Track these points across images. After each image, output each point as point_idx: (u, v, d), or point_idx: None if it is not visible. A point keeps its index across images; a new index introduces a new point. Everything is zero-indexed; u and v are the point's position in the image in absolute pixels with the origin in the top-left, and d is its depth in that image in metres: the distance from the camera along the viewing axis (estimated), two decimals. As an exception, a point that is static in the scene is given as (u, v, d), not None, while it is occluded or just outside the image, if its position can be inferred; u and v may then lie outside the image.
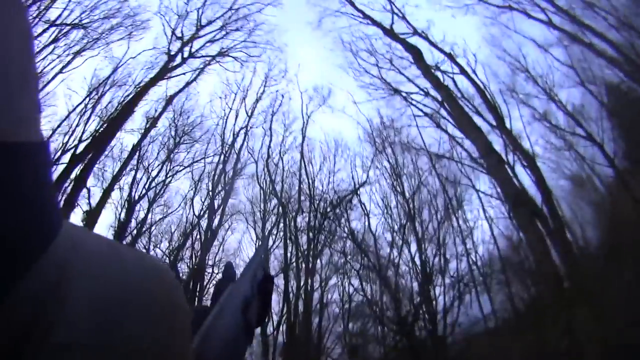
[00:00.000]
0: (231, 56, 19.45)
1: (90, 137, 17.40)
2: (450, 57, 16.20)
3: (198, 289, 17.31)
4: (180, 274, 18.23)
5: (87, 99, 17.93)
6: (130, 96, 17.33)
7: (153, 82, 16.95)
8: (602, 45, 14.19)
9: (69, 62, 17.11)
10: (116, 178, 17.69)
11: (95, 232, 0.59)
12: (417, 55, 15.75)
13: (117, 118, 16.48)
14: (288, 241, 18.52)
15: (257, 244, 19.60)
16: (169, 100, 18.19)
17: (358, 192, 18.90)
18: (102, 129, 17.57)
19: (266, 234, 19.33)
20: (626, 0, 14.04)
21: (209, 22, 18.79)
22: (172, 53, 17.58)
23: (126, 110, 16.60)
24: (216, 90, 20.49)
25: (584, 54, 14.80)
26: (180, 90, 18.51)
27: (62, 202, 15.05)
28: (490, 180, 16.08)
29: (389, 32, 16.64)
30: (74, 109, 17.75)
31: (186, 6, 18.52)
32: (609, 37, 13.95)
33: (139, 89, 17.04)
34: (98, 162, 17.01)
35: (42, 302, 0.43)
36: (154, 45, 18.63)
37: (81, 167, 16.03)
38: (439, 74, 16.63)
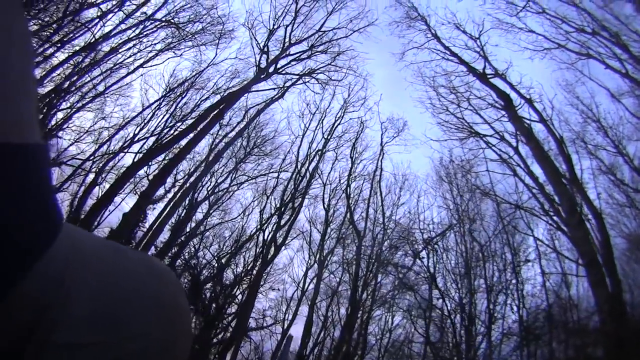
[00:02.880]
0: (314, 77, 19.79)
1: (164, 135, 17.98)
2: (530, 103, 16.07)
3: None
4: (225, 280, 18.57)
5: (164, 97, 18.64)
6: (213, 101, 17.81)
7: (240, 92, 17.28)
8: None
9: (150, 58, 17.85)
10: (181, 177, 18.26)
11: (94, 234, 0.59)
12: (507, 102, 15.73)
13: (197, 120, 16.78)
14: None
15: (308, 264, 19.87)
16: (258, 113, 18.59)
17: (445, 234, 18.82)
18: (177, 128, 18.11)
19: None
20: None
21: (298, 41, 19.15)
22: (262, 66, 17.86)
23: (206, 114, 16.92)
24: (293, 107, 20.72)
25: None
26: (267, 105, 18.95)
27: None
28: (550, 233, 16.15)
29: (481, 75, 16.73)
30: (150, 105, 18.47)
31: (275, 22, 18.86)
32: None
33: (224, 95, 17.41)
34: (167, 159, 17.50)
35: (43, 302, 0.43)
36: (236, 55, 19.28)
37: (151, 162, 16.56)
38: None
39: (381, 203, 20.36)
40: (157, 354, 0.52)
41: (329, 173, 21.41)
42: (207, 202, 19.43)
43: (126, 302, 0.51)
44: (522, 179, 16.18)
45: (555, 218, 15.14)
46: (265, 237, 18.92)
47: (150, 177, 16.57)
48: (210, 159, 18.21)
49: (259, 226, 19.31)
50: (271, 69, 18.38)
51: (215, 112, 16.26)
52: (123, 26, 15.82)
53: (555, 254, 15.92)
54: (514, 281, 16.81)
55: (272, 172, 20.51)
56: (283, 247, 19.11)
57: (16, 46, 0.41)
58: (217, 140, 18.89)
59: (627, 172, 15.08)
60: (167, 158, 16.95)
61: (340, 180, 21.38)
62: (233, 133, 18.89)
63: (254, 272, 17.99)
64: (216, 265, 19.09)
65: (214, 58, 18.31)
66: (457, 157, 19.35)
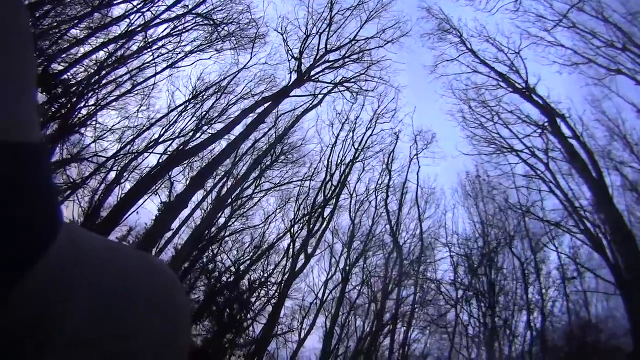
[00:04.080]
0: (346, 87, 19.71)
1: (192, 138, 17.56)
2: (564, 119, 16.32)
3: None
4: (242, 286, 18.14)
5: (192, 99, 18.23)
6: (241, 106, 17.53)
7: (279, 96, 17.03)
8: None
9: (179, 59, 17.48)
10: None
11: (94, 233, 0.59)
12: (551, 118, 15.92)
13: (231, 124, 16.48)
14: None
15: (329, 275, 19.54)
16: (297, 119, 18.39)
17: (498, 250, 18.69)
18: (204, 131, 17.74)
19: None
20: None
21: (333, 50, 19.12)
22: (300, 72, 17.67)
23: (240, 118, 16.62)
24: (322, 116, 20.56)
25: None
26: (306, 111, 18.82)
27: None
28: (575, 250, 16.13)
29: (524, 92, 16.86)
30: (177, 107, 18.03)
31: (309, 29, 18.77)
32: None
33: (259, 100, 17.13)
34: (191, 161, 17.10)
35: (43, 302, 0.43)
36: (266, 61, 19.02)
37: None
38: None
39: (419, 217, 20.32)
40: (156, 350, 0.52)
41: (357, 184, 21.43)
42: (230, 207, 18.97)
43: (126, 300, 0.51)
44: (558, 196, 16.28)
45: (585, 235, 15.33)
46: (293, 246, 18.71)
47: (187, 180, 16.15)
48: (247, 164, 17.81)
49: (288, 235, 19.05)
50: (305, 76, 18.23)
51: (257, 116, 15.95)
52: (160, 19, 15.46)
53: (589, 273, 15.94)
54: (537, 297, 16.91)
55: (300, 180, 20.32)
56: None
57: (16, 46, 0.42)
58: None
59: None
60: (201, 161, 16.53)
61: (368, 191, 21.37)
62: (264, 138, 18.66)
63: (283, 280, 17.57)
64: (237, 271, 18.65)
65: (248, 62, 18.13)
66: (485, 172, 19.52)
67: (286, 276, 17.79)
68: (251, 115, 16.77)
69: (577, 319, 15.86)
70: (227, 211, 18.82)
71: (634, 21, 15.36)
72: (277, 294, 17.58)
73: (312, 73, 18.59)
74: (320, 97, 19.39)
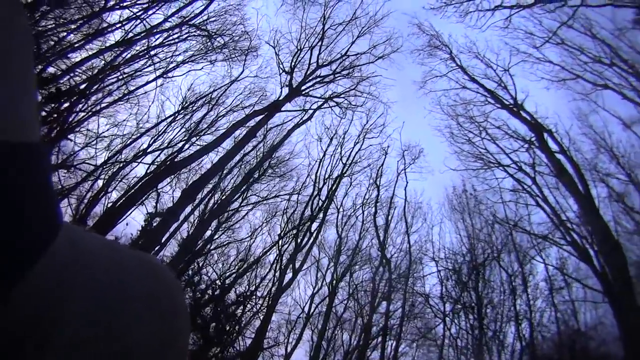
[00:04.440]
0: (336, 102, 19.99)
1: (181, 149, 17.45)
2: (551, 134, 16.71)
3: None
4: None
5: (181, 110, 18.18)
6: (230, 118, 17.61)
7: (271, 110, 17.12)
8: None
9: (171, 69, 17.47)
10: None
11: (94, 233, 0.61)
12: (539, 134, 16.34)
13: (222, 136, 16.49)
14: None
15: (314, 289, 19.43)
16: (289, 134, 18.46)
17: (485, 263, 18.85)
18: (193, 142, 17.66)
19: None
20: None
21: (325, 64, 19.42)
22: (287, 87, 17.85)
23: (231, 131, 16.65)
24: (310, 130, 20.69)
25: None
26: (297, 126, 18.91)
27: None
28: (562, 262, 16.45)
29: (512, 108, 17.32)
30: (167, 118, 17.93)
31: (301, 43, 19.02)
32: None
33: (250, 113, 17.21)
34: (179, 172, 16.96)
35: (43, 302, 0.43)
36: (256, 74, 19.13)
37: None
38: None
39: (406, 231, 20.49)
40: (156, 351, 0.53)
41: (344, 198, 21.59)
42: (216, 220, 18.78)
43: (125, 300, 0.51)
44: (545, 209, 16.63)
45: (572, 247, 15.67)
46: (280, 260, 18.68)
47: (174, 191, 16.01)
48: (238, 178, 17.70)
49: (275, 248, 18.96)
50: (296, 90, 18.40)
51: (249, 129, 15.98)
52: (157, 29, 15.48)
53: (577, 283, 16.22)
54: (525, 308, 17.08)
55: (287, 194, 20.33)
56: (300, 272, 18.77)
57: (16, 46, 0.42)
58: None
59: (637, 200, 15.74)
60: (190, 172, 16.43)
61: (355, 205, 21.51)
62: (253, 152, 18.70)
63: (270, 294, 17.39)
64: (223, 284, 18.37)
65: (240, 74, 18.23)
66: (471, 187, 19.85)
67: (273, 289, 17.60)
68: (242, 127, 16.84)
69: (566, 328, 16.05)
70: (214, 224, 18.62)
71: (620, 37, 15.97)
72: (263, 308, 17.37)
73: (303, 87, 18.77)
74: (311, 111, 19.63)
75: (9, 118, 0.39)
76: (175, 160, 16.54)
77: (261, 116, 17.36)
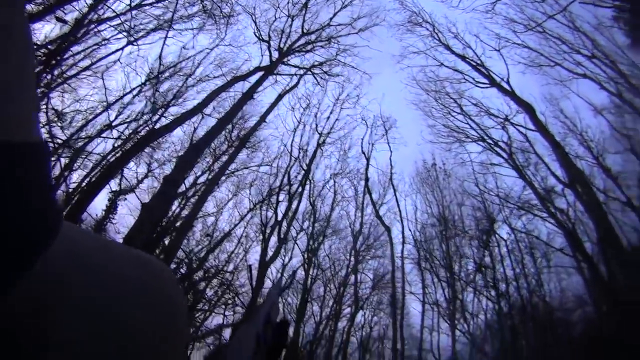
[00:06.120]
0: (316, 73, 19.39)
1: (151, 121, 16.38)
2: (533, 112, 17.10)
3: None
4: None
5: (152, 78, 16.93)
6: (212, 88, 16.73)
7: (238, 79, 16.50)
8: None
9: (135, 40, 16.07)
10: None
11: (93, 232, 0.66)
12: (531, 112, 16.66)
13: (201, 104, 15.76)
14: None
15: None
16: (276, 102, 17.75)
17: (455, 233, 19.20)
18: (165, 115, 16.63)
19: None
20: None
21: (308, 33, 18.68)
22: (268, 56, 17.06)
23: (210, 98, 15.83)
24: (284, 100, 19.90)
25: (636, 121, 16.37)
26: (282, 96, 18.32)
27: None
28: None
29: (499, 85, 17.50)
30: (132, 90, 16.67)
31: (282, 11, 18.12)
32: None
33: (230, 80, 16.49)
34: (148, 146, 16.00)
35: (42, 302, 0.44)
36: (229, 42, 18.06)
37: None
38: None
39: (395, 197, 20.51)
40: (154, 350, 0.54)
41: (316, 169, 21.43)
42: (187, 195, 18.01)
43: (124, 299, 0.52)
44: (529, 180, 17.30)
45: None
46: (263, 231, 18.45)
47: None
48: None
49: (259, 220, 18.71)
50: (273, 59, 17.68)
51: (244, 93, 15.29)
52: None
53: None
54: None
55: (259, 165, 19.86)
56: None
57: (16, 45, 0.42)
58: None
59: (601, 182, 16.41)
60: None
61: (328, 176, 21.47)
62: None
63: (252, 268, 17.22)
64: (191, 261, 17.89)
65: (222, 39, 17.29)
66: (444, 161, 20.30)
67: (255, 261, 17.47)
68: (224, 92, 16.23)
69: (534, 295, 16.83)
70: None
71: (601, 31, 16.53)
72: (233, 283, 17.47)
73: (289, 55, 18.25)
74: (298, 76, 19.14)
75: (8, 118, 0.39)
76: (156, 128, 15.58)
77: (243, 82, 16.83)
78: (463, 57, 18.76)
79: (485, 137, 18.56)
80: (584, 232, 15.71)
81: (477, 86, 18.57)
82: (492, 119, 18.64)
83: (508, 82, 17.58)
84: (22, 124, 0.42)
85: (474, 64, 18.51)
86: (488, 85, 18.22)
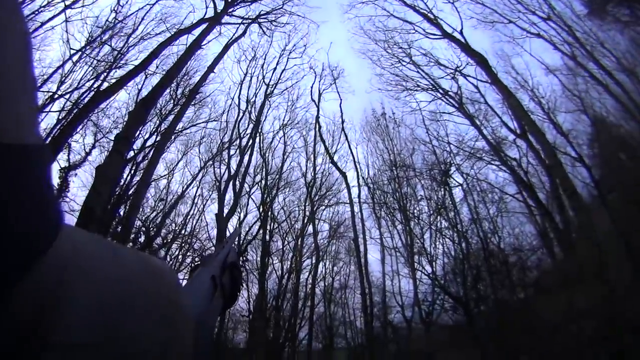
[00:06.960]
0: (259, 22, 18.52)
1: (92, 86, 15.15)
2: (486, 63, 17.08)
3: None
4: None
5: (87, 45, 15.84)
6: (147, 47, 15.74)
7: (182, 32, 15.74)
8: (607, 81, 16.56)
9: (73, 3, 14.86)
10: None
11: (95, 234, 0.63)
12: (484, 63, 16.60)
13: (146, 59, 14.75)
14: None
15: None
16: (223, 53, 16.68)
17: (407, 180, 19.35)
18: (106, 78, 15.41)
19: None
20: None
21: None
22: (213, 10, 16.07)
23: (145, 63, 14.77)
24: (228, 53, 18.82)
25: (588, 84, 17.10)
26: (229, 46, 17.44)
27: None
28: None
29: (453, 37, 17.31)
30: (71, 56, 15.49)
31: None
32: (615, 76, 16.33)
33: (175, 32, 15.69)
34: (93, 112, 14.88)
35: (42, 303, 0.43)
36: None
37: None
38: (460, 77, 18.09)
39: (349, 147, 20.40)
40: (157, 354, 0.54)
41: (264, 120, 21.02)
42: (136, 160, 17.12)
43: (126, 302, 0.52)
44: (480, 129, 17.71)
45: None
46: (219, 192, 18.15)
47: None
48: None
49: (211, 178, 18.34)
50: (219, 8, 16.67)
51: (192, 42, 14.51)
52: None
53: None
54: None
55: (209, 120, 19.28)
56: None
57: (16, 45, 0.42)
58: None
59: (551, 137, 16.70)
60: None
61: (278, 127, 21.24)
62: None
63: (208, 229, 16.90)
64: (148, 229, 17.38)
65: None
66: (392, 110, 20.34)
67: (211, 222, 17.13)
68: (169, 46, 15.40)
69: (490, 241, 17.12)
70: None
71: None
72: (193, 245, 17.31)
73: (230, 10, 17.27)
74: (244, 26, 18.43)
75: (8, 119, 0.39)
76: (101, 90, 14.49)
77: (187, 35, 15.95)
78: (414, 8, 18.42)
79: (436, 86, 18.67)
80: (537, 181, 16.40)
81: (427, 37, 18.43)
82: (442, 69, 18.70)
83: (462, 33, 17.49)
84: (23, 125, 0.41)
85: (426, 14, 18.24)
86: (440, 37, 18.06)
